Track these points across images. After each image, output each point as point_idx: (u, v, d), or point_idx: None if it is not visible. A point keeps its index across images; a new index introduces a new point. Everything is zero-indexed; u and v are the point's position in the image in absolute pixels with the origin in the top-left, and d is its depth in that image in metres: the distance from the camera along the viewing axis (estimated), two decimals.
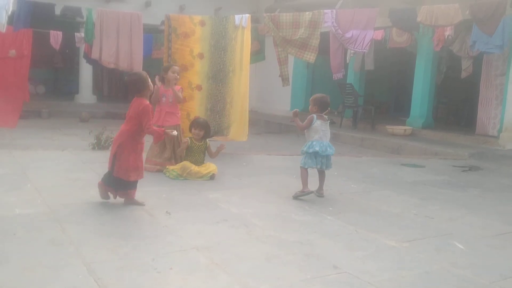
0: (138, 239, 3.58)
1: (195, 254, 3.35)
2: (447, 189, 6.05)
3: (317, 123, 5.12)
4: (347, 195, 5.42)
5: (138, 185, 4.70)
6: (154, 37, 10.59)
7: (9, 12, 7.82)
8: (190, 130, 6.06)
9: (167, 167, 5.88)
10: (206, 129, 6.00)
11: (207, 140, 6.09)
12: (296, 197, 5.06)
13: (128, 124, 4.50)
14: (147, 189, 5.07)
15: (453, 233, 4.18)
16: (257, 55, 8.95)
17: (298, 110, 5.24)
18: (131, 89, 4.62)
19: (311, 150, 5.07)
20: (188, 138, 5.98)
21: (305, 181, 5.10)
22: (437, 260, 3.52)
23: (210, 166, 5.85)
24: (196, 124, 5.98)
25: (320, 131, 5.12)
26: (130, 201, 4.49)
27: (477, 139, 10.21)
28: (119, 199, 4.53)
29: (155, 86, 5.40)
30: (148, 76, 4.59)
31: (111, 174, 4.43)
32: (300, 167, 5.16)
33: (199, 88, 7.47)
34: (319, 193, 5.22)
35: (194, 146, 5.90)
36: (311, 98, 5.41)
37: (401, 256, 3.56)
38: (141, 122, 4.41)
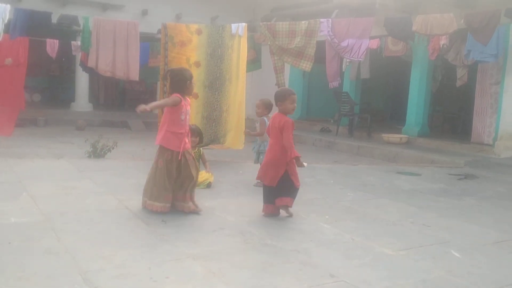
0: (134, 248, 3.56)
1: (192, 263, 3.33)
2: (443, 197, 6.06)
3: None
4: (343, 203, 5.42)
5: (134, 193, 4.70)
6: (150, 45, 10.60)
7: (6, 21, 7.85)
8: None
9: None
10: (200, 135, 6.03)
11: (201, 148, 6.09)
12: (256, 185, 5.73)
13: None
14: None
15: (450, 241, 4.18)
16: (254, 63, 8.97)
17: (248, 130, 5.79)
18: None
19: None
20: None
21: None
22: (434, 268, 3.52)
23: (205, 174, 5.84)
24: (191, 131, 5.98)
25: None
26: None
27: (473, 147, 10.25)
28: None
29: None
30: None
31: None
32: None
33: (195, 96, 7.48)
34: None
35: None
36: (259, 102, 5.96)
37: (398, 264, 3.56)
38: None
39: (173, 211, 4.61)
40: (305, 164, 4.91)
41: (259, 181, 5.59)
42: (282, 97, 4.67)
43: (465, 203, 5.84)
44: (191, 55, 7.46)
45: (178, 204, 4.62)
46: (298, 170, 4.70)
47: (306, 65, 7.90)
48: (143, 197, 4.63)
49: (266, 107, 5.93)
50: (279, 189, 4.61)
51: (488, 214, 5.31)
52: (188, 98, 4.74)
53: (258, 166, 6.40)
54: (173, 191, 4.58)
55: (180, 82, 4.57)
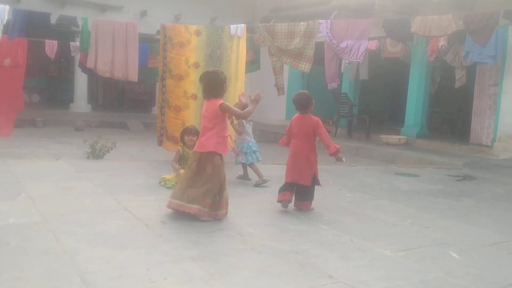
0: (132, 249, 3.56)
1: (190, 264, 3.33)
2: (442, 198, 6.06)
3: (247, 126, 6.24)
4: (342, 204, 5.42)
5: (133, 193, 4.70)
6: (149, 46, 10.61)
7: (4, 21, 7.83)
8: (182, 139, 6.07)
9: (163, 176, 5.87)
10: (198, 135, 6.03)
11: None
12: (257, 185, 6.04)
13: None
14: (142, 198, 5.06)
15: (448, 242, 4.19)
16: (252, 64, 8.98)
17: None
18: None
19: (254, 148, 6.31)
20: (179, 148, 6.00)
21: (260, 173, 6.15)
22: (432, 269, 3.52)
23: None
24: (188, 131, 6.02)
25: (250, 133, 6.31)
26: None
27: (471, 148, 10.26)
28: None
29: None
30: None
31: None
32: (250, 164, 6.25)
33: (194, 97, 7.48)
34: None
35: (186, 154, 5.92)
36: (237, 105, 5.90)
37: (396, 265, 3.56)
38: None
39: (173, 212, 4.62)
40: (343, 158, 5.14)
41: (262, 180, 6.08)
42: (310, 100, 5.05)
43: (464, 204, 5.84)
44: (190, 56, 7.46)
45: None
46: None
47: (305, 66, 7.91)
48: (203, 208, 4.36)
49: (245, 107, 5.93)
50: (304, 191, 4.96)
51: (487, 215, 5.32)
52: None
53: (259, 166, 6.46)
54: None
55: (220, 85, 4.50)
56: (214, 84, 4.48)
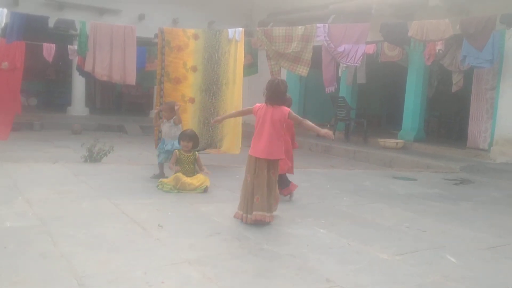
0: (130, 252, 3.55)
1: (187, 268, 3.33)
2: (439, 202, 6.07)
3: (166, 125, 6.48)
4: (339, 208, 5.42)
5: (130, 197, 4.71)
6: (147, 50, 10.61)
7: (2, 24, 7.85)
8: (178, 143, 6.09)
9: (161, 180, 5.87)
10: (194, 140, 6.05)
11: (196, 152, 6.10)
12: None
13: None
14: (140, 202, 5.06)
15: (445, 246, 4.20)
16: (250, 68, 8.99)
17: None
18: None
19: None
20: (176, 151, 6.00)
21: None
22: (429, 273, 3.52)
23: (201, 178, 5.85)
24: (184, 136, 6.02)
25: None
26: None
27: (468, 152, 10.29)
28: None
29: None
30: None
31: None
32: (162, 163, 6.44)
33: (192, 100, 7.49)
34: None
35: (183, 157, 5.92)
36: (166, 106, 6.64)
37: (393, 269, 3.57)
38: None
39: (170, 216, 4.61)
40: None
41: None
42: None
43: (461, 208, 5.85)
44: (188, 59, 7.47)
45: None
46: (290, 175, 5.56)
47: (303, 70, 7.93)
48: (267, 212, 4.45)
49: (171, 110, 6.50)
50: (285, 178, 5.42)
51: (484, 219, 5.33)
52: None
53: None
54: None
55: (285, 93, 4.63)
56: (280, 93, 4.56)
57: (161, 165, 6.49)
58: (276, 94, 4.54)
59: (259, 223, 4.42)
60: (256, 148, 4.54)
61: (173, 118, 6.46)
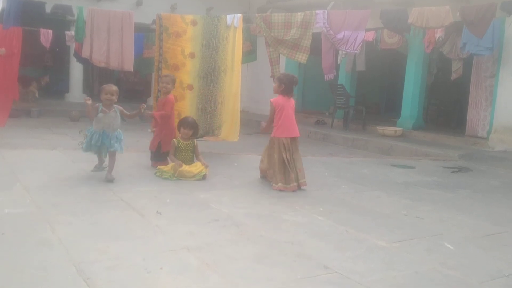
0: (128, 239, 3.56)
1: (186, 255, 3.33)
2: (437, 190, 6.09)
3: (100, 114, 5.40)
4: (337, 196, 5.43)
5: (128, 184, 4.72)
6: (145, 36, 10.55)
7: None
8: (178, 129, 6.06)
9: (159, 167, 5.86)
10: (195, 128, 6.02)
11: (195, 140, 6.09)
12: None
13: None
14: (138, 189, 5.06)
15: (443, 233, 4.21)
16: (249, 55, 8.94)
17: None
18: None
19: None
20: (174, 140, 5.98)
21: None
22: (427, 260, 3.54)
23: (200, 165, 5.84)
24: (185, 123, 5.98)
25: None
26: None
27: (467, 140, 10.29)
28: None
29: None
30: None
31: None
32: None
33: (190, 87, 7.45)
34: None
35: (181, 145, 5.90)
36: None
37: (391, 256, 3.58)
38: None
39: (169, 203, 4.62)
40: None
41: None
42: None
43: (459, 196, 5.87)
44: (186, 46, 7.42)
45: None
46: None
47: (302, 57, 7.88)
48: (295, 181, 5.48)
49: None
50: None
51: (481, 207, 5.34)
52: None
53: (251, 158, 6.48)
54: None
55: (292, 86, 5.63)
56: (295, 87, 5.70)
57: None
58: (292, 88, 5.66)
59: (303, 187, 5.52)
60: (293, 129, 5.61)
61: (121, 109, 5.49)
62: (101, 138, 5.38)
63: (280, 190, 5.36)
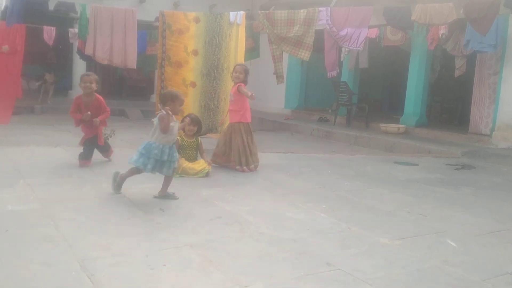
0: (131, 236, 3.57)
1: (189, 251, 3.34)
2: (440, 187, 6.08)
3: (172, 123, 4.66)
4: (340, 193, 5.43)
5: (131, 181, 4.72)
6: (148, 33, 10.55)
7: (2, 7, 7.79)
8: (183, 127, 6.05)
9: None
10: (199, 125, 6.02)
11: (199, 137, 6.09)
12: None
13: None
14: (141, 186, 5.06)
15: (446, 231, 4.21)
16: (252, 52, 8.95)
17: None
18: None
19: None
20: (178, 138, 5.97)
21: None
22: (429, 258, 3.54)
23: (203, 162, 5.85)
24: (189, 120, 5.98)
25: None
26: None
27: (470, 137, 10.27)
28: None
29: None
30: None
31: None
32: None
33: (193, 85, 7.47)
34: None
35: (185, 143, 5.90)
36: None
37: (393, 253, 3.58)
38: None
39: (169, 200, 4.63)
40: None
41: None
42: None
43: (462, 193, 5.86)
44: (189, 43, 7.42)
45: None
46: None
47: (305, 54, 7.88)
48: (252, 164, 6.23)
49: (173, 99, 5.28)
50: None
51: (484, 205, 5.33)
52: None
53: (258, 155, 6.48)
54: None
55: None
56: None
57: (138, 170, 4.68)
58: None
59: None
60: (249, 115, 6.33)
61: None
62: (171, 151, 4.65)
63: (244, 171, 6.09)
